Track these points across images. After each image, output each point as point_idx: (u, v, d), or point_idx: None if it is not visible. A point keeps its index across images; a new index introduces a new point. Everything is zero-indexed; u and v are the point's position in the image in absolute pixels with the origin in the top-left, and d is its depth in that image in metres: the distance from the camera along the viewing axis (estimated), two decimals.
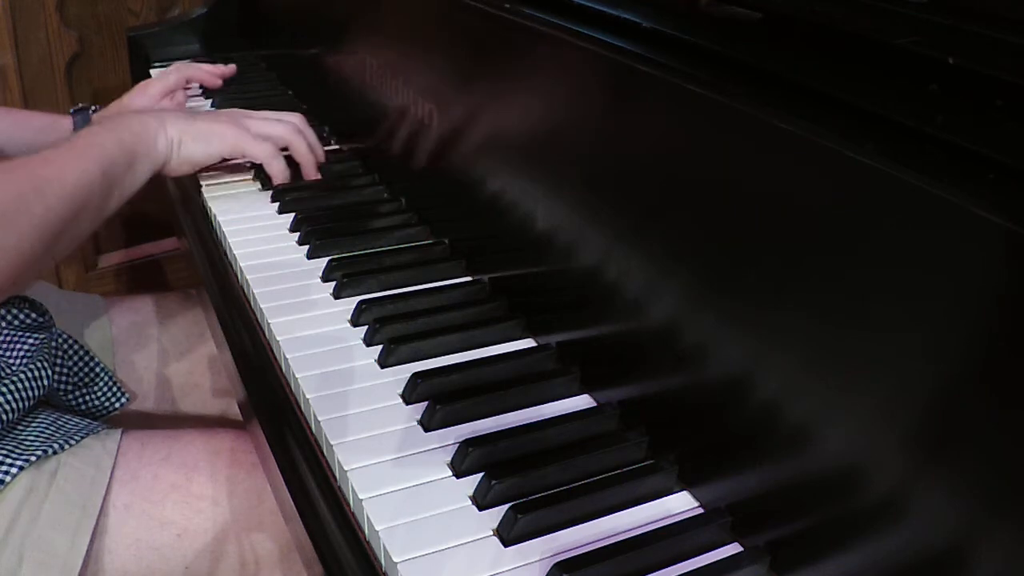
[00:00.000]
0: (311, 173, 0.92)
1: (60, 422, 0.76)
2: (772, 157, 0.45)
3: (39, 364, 0.78)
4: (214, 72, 1.18)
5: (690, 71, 0.51)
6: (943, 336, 0.37)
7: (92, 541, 0.69)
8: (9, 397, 0.73)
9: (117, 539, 0.71)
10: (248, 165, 0.95)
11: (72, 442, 0.73)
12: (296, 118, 0.94)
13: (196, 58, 1.29)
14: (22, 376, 0.75)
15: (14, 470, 0.69)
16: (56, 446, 0.71)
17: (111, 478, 0.72)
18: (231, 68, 1.20)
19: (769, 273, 0.46)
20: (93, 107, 1.04)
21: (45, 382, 0.78)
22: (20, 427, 0.73)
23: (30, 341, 0.82)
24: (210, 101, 1.17)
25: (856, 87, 0.45)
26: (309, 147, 0.92)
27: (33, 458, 0.70)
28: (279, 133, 0.91)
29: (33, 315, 0.86)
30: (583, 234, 0.60)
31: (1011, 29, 0.43)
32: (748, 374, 0.47)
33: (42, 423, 0.75)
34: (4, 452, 0.69)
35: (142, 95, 1.07)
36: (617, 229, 0.57)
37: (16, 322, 0.84)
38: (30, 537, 0.67)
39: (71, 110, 1.03)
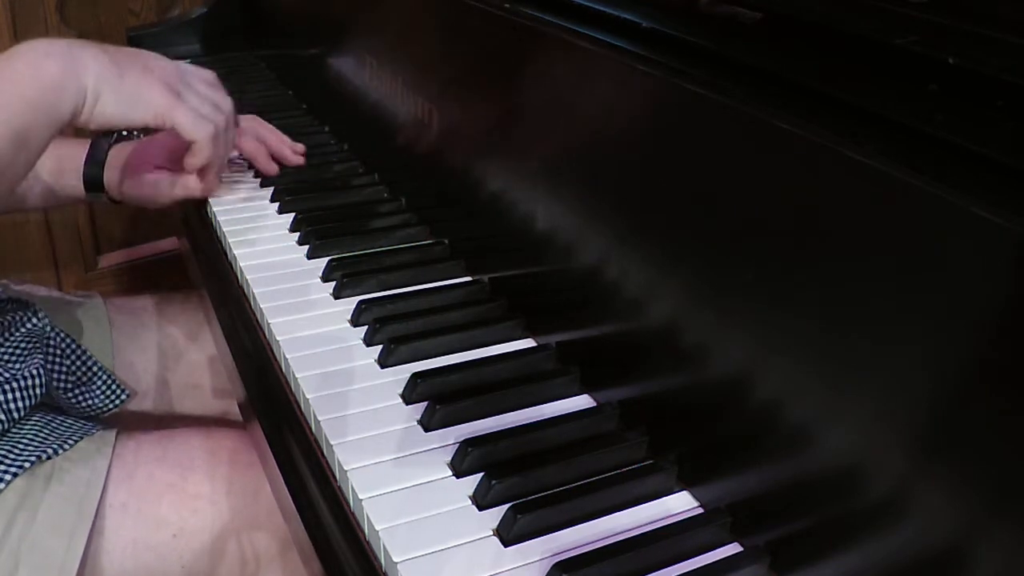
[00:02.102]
0: (288, 154, 0.87)
1: (54, 424, 0.75)
2: (772, 157, 0.45)
3: (33, 372, 0.77)
4: (288, 150, 0.95)
5: (690, 71, 0.51)
6: (943, 336, 0.37)
7: (88, 542, 0.69)
8: (3, 408, 0.72)
9: (113, 540, 0.71)
10: (248, 165, 0.95)
11: (67, 445, 0.72)
12: (229, 100, 0.81)
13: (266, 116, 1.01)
14: (15, 385, 0.75)
15: (8, 476, 0.68)
16: (51, 450, 0.71)
17: (107, 479, 0.72)
18: (300, 155, 0.96)
19: (768, 273, 0.46)
20: (124, 131, 0.94)
21: (39, 391, 0.77)
22: (14, 431, 0.73)
23: (23, 345, 0.81)
24: None
25: (856, 87, 0.45)
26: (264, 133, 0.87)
27: (27, 464, 0.69)
28: (226, 108, 0.79)
29: (28, 315, 0.85)
30: (583, 234, 0.60)
31: (1011, 29, 0.43)
32: (748, 374, 0.47)
33: (36, 425, 0.74)
34: None
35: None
36: (617, 229, 0.57)
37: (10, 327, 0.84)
38: (26, 542, 0.67)
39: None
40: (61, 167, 0.90)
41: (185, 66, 0.79)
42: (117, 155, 0.91)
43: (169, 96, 0.72)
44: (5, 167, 0.64)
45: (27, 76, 0.65)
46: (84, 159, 0.91)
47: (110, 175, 0.90)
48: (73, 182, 0.91)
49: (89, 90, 0.68)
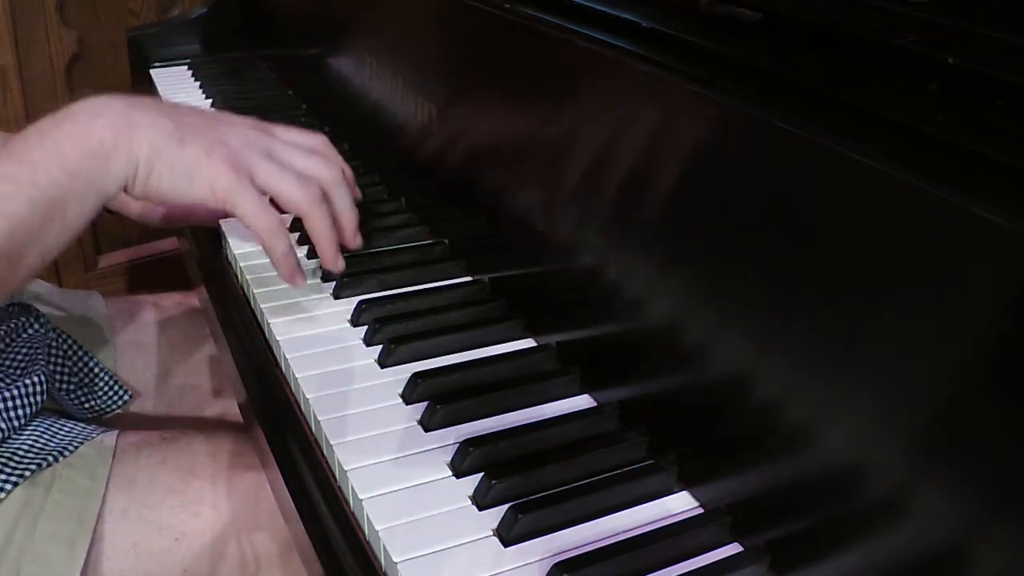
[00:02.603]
0: (349, 237, 0.69)
1: (54, 429, 0.75)
2: (771, 157, 0.45)
3: (35, 380, 0.77)
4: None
5: (690, 71, 0.51)
6: (943, 336, 0.37)
7: (89, 549, 0.68)
8: (3, 416, 0.72)
9: (114, 545, 0.70)
10: None
11: (67, 451, 0.72)
12: (331, 165, 0.68)
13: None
14: (16, 392, 0.74)
15: (8, 486, 0.68)
16: (51, 457, 0.71)
17: (107, 485, 0.71)
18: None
19: (769, 273, 0.46)
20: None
21: (40, 398, 0.76)
22: (14, 438, 0.73)
23: (24, 351, 0.81)
24: (210, 101, 1.17)
25: (856, 87, 0.45)
26: (345, 208, 0.67)
27: (28, 472, 0.69)
28: (297, 197, 0.64)
29: (29, 320, 0.85)
30: (582, 234, 0.60)
31: (1011, 29, 0.43)
32: (748, 374, 0.47)
33: (36, 431, 0.74)
34: None
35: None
36: (616, 229, 0.57)
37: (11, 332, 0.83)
38: (27, 552, 0.67)
39: None
40: None
41: (278, 132, 0.68)
42: None
43: (231, 175, 0.61)
44: (31, 237, 0.56)
45: (71, 139, 0.58)
46: None
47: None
48: None
49: (142, 161, 0.60)
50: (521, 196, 0.67)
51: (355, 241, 0.70)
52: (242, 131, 0.65)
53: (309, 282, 0.71)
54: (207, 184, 0.61)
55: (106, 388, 0.89)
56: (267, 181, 0.63)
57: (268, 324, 0.68)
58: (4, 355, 0.80)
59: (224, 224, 0.83)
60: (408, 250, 0.79)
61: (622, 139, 0.56)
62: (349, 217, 0.69)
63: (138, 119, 0.60)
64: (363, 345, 0.66)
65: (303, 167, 0.66)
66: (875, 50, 0.46)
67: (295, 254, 0.65)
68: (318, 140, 0.71)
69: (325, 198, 0.66)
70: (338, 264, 0.69)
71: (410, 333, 0.65)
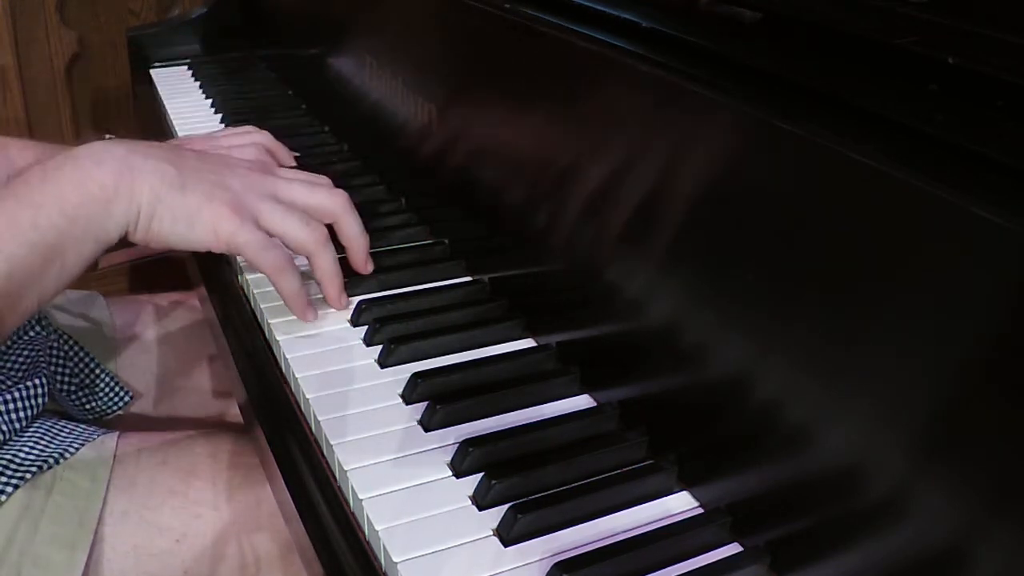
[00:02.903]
0: (360, 263, 0.69)
1: (55, 431, 0.75)
2: (771, 157, 0.45)
3: (36, 382, 0.77)
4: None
5: (690, 71, 0.51)
6: (943, 336, 0.37)
7: (90, 551, 0.68)
8: (4, 418, 0.72)
9: (115, 547, 0.70)
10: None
11: (68, 453, 0.72)
12: (336, 194, 0.68)
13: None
14: (17, 395, 0.74)
15: (9, 488, 0.68)
16: (52, 459, 0.71)
17: (108, 487, 0.71)
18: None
19: (769, 273, 0.46)
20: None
21: (41, 400, 0.76)
22: (15, 440, 0.73)
23: (25, 353, 0.81)
24: (210, 101, 1.17)
25: (856, 87, 0.45)
26: (355, 235, 0.68)
27: (29, 475, 0.69)
28: (303, 238, 0.64)
29: (31, 322, 0.85)
30: (582, 234, 0.60)
31: (1011, 29, 0.43)
32: (748, 374, 0.47)
33: (37, 433, 0.74)
34: None
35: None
36: (616, 228, 0.57)
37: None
38: (28, 554, 0.66)
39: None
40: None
41: (282, 172, 0.68)
42: None
43: (234, 219, 0.61)
44: (31, 279, 0.57)
45: (73, 183, 0.58)
46: None
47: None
48: None
49: (143, 207, 0.59)
50: (521, 196, 0.67)
51: (366, 268, 0.70)
52: (244, 174, 0.64)
53: (303, 271, 0.71)
54: (210, 229, 0.61)
55: (107, 389, 0.89)
56: (271, 223, 0.63)
57: (268, 324, 0.68)
58: (6, 357, 0.80)
59: None
60: (408, 250, 0.79)
61: (621, 139, 0.56)
62: (359, 244, 0.69)
63: (140, 165, 0.60)
64: (363, 345, 0.66)
65: (308, 203, 0.66)
66: (875, 50, 0.46)
67: (305, 291, 0.65)
68: (322, 176, 0.71)
69: (336, 226, 0.67)
70: (342, 303, 0.68)
71: (410, 333, 0.65)
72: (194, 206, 0.60)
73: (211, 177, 0.62)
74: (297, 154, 0.86)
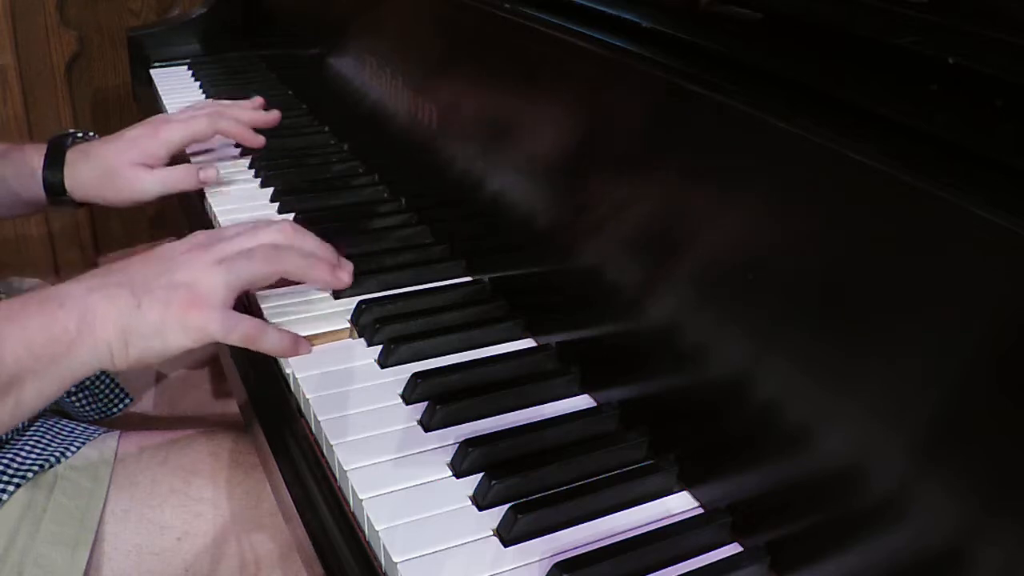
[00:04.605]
0: (331, 276, 0.70)
1: (56, 431, 0.75)
2: (771, 156, 0.45)
3: None
4: (254, 121, 0.94)
5: (690, 71, 0.51)
6: (943, 336, 0.37)
7: (91, 550, 0.68)
8: None
9: (116, 546, 0.70)
10: (248, 164, 0.95)
11: (70, 452, 0.72)
12: (274, 226, 0.68)
13: (232, 97, 1.01)
14: None
15: (11, 488, 0.68)
16: (53, 459, 0.71)
17: (109, 486, 0.71)
18: (274, 116, 0.96)
19: (769, 273, 0.46)
20: (79, 133, 0.92)
21: None
22: (16, 439, 0.73)
23: None
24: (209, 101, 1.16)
25: (856, 87, 0.45)
26: (311, 251, 0.69)
27: (30, 474, 0.69)
28: (265, 273, 0.65)
29: None
30: (582, 234, 0.60)
31: (1011, 29, 0.43)
32: (748, 374, 0.47)
33: (38, 432, 0.74)
34: (1, 468, 0.69)
35: (153, 139, 0.88)
36: (616, 228, 0.57)
37: None
38: (29, 554, 0.67)
39: (52, 137, 0.90)
40: (18, 172, 0.88)
41: (222, 232, 0.68)
42: (77, 157, 0.88)
43: (196, 314, 0.61)
44: None
45: (37, 323, 0.59)
46: (42, 164, 0.87)
47: (72, 178, 0.88)
48: (34, 188, 0.88)
49: (112, 342, 0.60)
50: (521, 196, 0.67)
51: (342, 277, 0.71)
52: (187, 259, 0.64)
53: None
54: (179, 333, 0.61)
55: (108, 392, 0.89)
56: (233, 283, 0.63)
57: None
58: None
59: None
60: (408, 250, 0.79)
61: (621, 139, 0.56)
62: (321, 256, 0.69)
63: (95, 303, 0.60)
64: (363, 345, 0.66)
65: (253, 247, 0.66)
66: (875, 50, 0.46)
67: (289, 335, 0.65)
68: (258, 220, 0.71)
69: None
70: (340, 279, 0.70)
71: (410, 333, 0.65)
72: (157, 319, 0.60)
73: (159, 281, 0.62)
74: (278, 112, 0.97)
